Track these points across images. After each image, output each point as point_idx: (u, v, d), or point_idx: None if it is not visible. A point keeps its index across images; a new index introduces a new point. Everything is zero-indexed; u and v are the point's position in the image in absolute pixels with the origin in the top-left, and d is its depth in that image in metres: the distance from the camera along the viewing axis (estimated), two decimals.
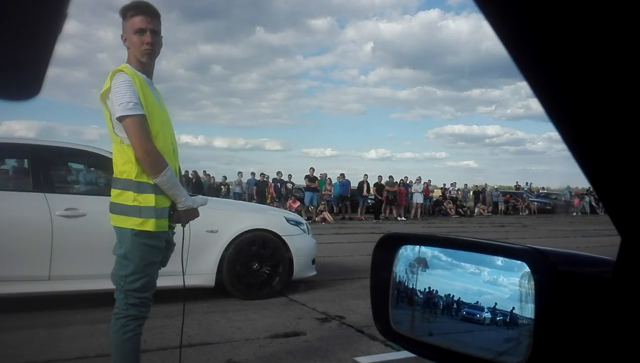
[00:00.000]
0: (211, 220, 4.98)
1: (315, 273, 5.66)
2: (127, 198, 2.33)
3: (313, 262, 5.64)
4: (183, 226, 2.49)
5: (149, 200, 2.33)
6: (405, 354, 3.54)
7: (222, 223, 5.03)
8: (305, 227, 5.70)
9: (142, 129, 2.30)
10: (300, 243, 5.45)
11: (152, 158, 2.31)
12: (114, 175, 2.39)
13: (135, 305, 2.34)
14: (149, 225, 2.32)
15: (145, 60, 2.40)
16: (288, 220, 5.54)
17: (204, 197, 2.93)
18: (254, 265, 5.14)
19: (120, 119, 2.28)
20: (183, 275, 2.57)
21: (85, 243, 4.33)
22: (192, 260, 4.81)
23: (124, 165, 2.34)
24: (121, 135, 2.34)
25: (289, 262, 5.28)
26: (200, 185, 19.23)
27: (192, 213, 2.49)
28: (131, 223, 2.32)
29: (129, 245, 2.33)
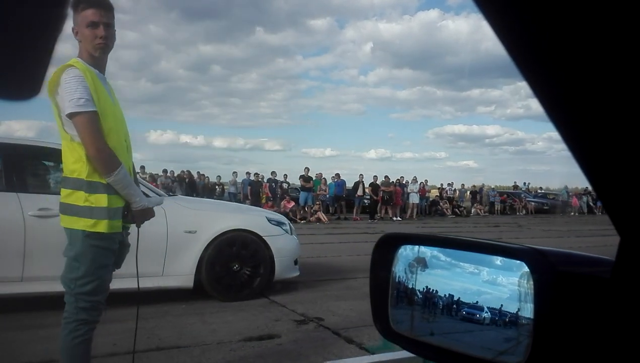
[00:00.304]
0: (189, 220, 4.91)
1: (298, 274, 5.57)
2: (78, 198, 2.25)
3: (296, 262, 5.56)
4: (138, 227, 2.41)
5: (101, 200, 2.25)
6: (379, 357, 3.46)
7: (200, 223, 4.95)
8: (287, 227, 5.60)
9: (93, 126, 2.22)
10: (282, 243, 5.36)
11: (105, 156, 2.24)
12: (63, 174, 2.31)
13: (85, 309, 2.26)
14: (101, 227, 2.24)
15: (98, 54, 2.32)
16: (270, 220, 5.45)
17: (159, 196, 2.85)
18: (234, 266, 5.06)
19: (71, 115, 2.20)
20: (137, 277, 2.48)
21: (59, 244, 4.20)
22: (170, 261, 4.74)
23: (75, 163, 2.26)
24: (71, 133, 2.25)
25: (270, 262, 5.19)
26: (194, 185, 19.16)
27: (147, 213, 2.41)
28: (82, 224, 2.25)
29: (80, 247, 2.26)
